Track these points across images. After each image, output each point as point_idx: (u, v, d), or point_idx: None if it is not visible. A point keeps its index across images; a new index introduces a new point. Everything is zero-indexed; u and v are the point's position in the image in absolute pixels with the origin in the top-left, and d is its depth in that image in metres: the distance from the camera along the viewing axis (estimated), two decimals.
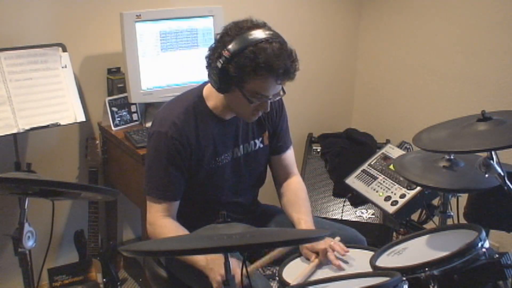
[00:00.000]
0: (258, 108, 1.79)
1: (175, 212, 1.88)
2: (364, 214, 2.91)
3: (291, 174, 2.10)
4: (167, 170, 1.83)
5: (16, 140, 2.45)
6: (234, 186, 1.99)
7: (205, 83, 1.92)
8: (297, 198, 2.01)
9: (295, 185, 2.07)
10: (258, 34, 1.68)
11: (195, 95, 1.90)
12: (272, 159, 2.08)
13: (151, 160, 1.87)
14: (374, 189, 2.43)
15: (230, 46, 1.68)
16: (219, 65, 1.70)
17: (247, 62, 1.66)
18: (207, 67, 1.78)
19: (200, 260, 1.71)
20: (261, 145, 2.01)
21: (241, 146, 1.97)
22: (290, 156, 2.10)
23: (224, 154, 1.93)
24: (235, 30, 1.70)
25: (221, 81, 1.73)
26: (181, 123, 1.82)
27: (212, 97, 1.87)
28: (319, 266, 1.77)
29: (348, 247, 1.84)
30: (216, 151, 1.90)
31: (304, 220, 1.91)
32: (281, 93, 1.81)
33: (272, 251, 1.75)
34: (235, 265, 1.56)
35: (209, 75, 1.78)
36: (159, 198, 1.85)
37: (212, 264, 1.67)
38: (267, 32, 1.70)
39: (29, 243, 1.55)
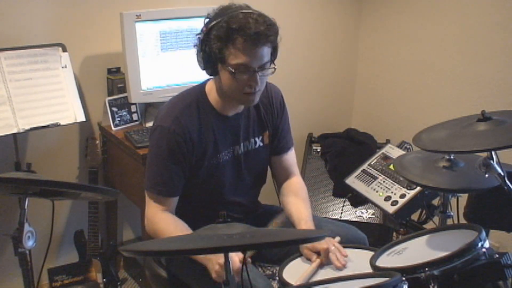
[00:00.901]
0: (248, 83, 1.76)
1: (174, 207, 1.89)
2: (364, 214, 2.91)
3: (292, 175, 2.10)
4: (168, 166, 1.83)
5: (16, 140, 2.45)
6: (234, 185, 1.99)
7: (207, 80, 1.92)
8: (298, 198, 2.01)
9: (296, 185, 2.07)
10: (236, 8, 1.73)
11: (198, 91, 1.91)
12: (273, 160, 2.08)
13: (152, 155, 1.87)
14: (374, 189, 2.43)
15: (208, 24, 1.74)
16: (200, 44, 1.76)
17: (221, 30, 1.70)
18: (196, 53, 1.82)
19: None
20: (261, 144, 2.02)
21: (242, 144, 1.97)
22: (291, 157, 2.10)
23: (224, 151, 1.93)
24: (216, 12, 1.77)
25: (205, 61, 1.78)
26: (183, 119, 1.83)
27: (214, 93, 1.88)
28: (320, 266, 1.77)
29: (348, 247, 1.84)
30: (217, 148, 1.91)
31: (304, 220, 1.90)
32: (269, 66, 1.78)
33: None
34: (236, 261, 1.57)
35: (197, 60, 1.82)
36: (159, 194, 1.85)
37: (209, 255, 1.67)
38: (246, 8, 1.74)
39: (29, 243, 1.56)
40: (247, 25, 1.68)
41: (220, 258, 1.60)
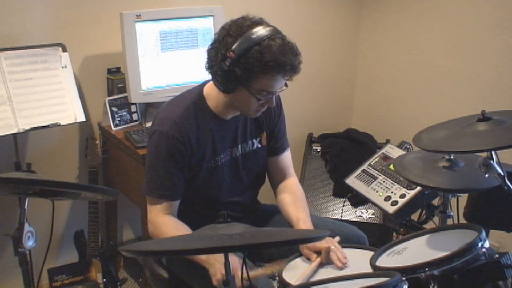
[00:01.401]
0: (264, 104, 1.80)
1: (176, 210, 1.89)
2: (364, 214, 2.91)
3: (288, 175, 2.10)
4: (167, 170, 1.83)
5: (16, 140, 2.45)
6: (233, 186, 1.99)
7: (205, 82, 1.92)
8: (295, 198, 2.01)
9: (292, 186, 2.07)
10: (260, 31, 1.69)
11: (196, 94, 1.90)
12: (269, 160, 2.08)
13: (151, 160, 1.87)
14: (374, 189, 2.43)
15: (234, 47, 1.68)
16: (225, 67, 1.69)
17: (255, 62, 1.67)
18: (209, 68, 1.78)
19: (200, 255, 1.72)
20: (259, 145, 2.02)
21: (240, 146, 1.97)
22: (287, 157, 2.10)
23: (223, 154, 1.93)
24: (236, 30, 1.70)
25: (227, 82, 1.73)
26: (182, 122, 1.82)
27: (213, 97, 1.87)
28: (320, 265, 1.77)
29: (348, 247, 1.84)
30: (215, 151, 1.90)
31: (302, 220, 1.90)
32: (284, 86, 1.82)
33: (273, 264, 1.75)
34: (236, 262, 1.57)
35: (213, 77, 1.78)
36: (160, 198, 1.85)
37: (212, 260, 1.67)
38: (268, 29, 1.71)
39: (29, 243, 1.55)
40: (284, 62, 1.68)
41: (222, 267, 1.59)
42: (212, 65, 1.76)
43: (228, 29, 1.72)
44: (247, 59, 1.67)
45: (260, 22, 1.73)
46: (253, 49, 1.66)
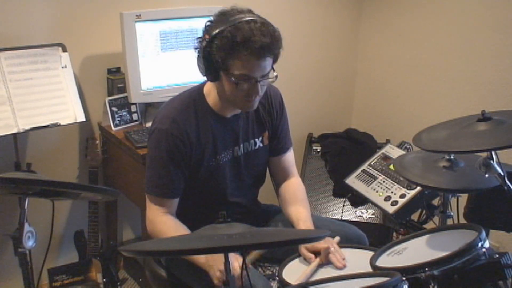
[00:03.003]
0: (249, 92, 1.77)
1: (175, 209, 1.89)
2: (364, 214, 2.91)
3: (290, 175, 2.10)
4: (167, 168, 1.83)
5: (16, 140, 2.45)
6: (234, 185, 1.99)
7: (205, 82, 1.92)
8: (296, 199, 2.01)
9: (294, 186, 2.07)
10: (239, 15, 1.70)
11: (196, 92, 1.91)
12: (271, 160, 2.08)
13: (151, 158, 1.87)
14: (374, 189, 2.43)
15: (211, 31, 1.71)
16: (202, 50, 1.73)
17: (225, 42, 1.67)
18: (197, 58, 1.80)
19: (199, 257, 1.72)
20: (261, 145, 2.02)
21: (242, 145, 1.97)
22: (290, 157, 2.10)
23: (224, 153, 1.93)
24: (218, 17, 1.73)
25: (207, 68, 1.75)
26: (181, 121, 1.83)
27: (212, 94, 1.88)
28: (320, 265, 1.77)
29: (348, 247, 1.84)
30: (216, 149, 1.90)
31: (303, 220, 1.90)
32: (271, 75, 1.79)
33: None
34: (234, 259, 1.57)
35: (197, 65, 1.80)
36: (159, 196, 1.85)
37: (212, 261, 1.67)
38: (250, 15, 1.71)
39: (29, 243, 1.55)
40: (252, 38, 1.66)
41: (221, 265, 1.59)
42: (197, 54, 1.78)
43: (213, 17, 1.75)
44: (219, 41, 1.68)
45: (245, 11, 1.74)
46: (226, 30, 1.68)
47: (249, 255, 1.75)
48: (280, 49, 1.75)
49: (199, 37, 1.78)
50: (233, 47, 1.67)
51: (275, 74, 1.80)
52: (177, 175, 1.85)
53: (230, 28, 1.67)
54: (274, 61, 1.78)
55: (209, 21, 1.76)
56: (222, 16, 1.73)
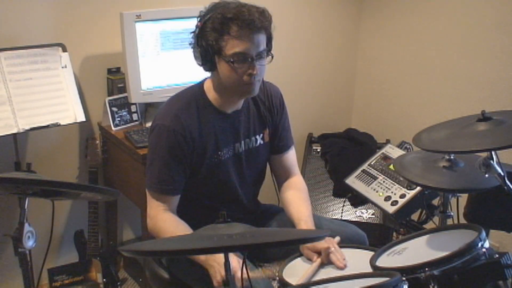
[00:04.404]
0: (247, 72, 1.77)
1: (176, 206, 1.89)
2: (364, 214, 2.91)
3: (293, 174, 2.09)
4: (168, 164, 1.83)
5: (16, 140, 2.45)
6: (236, 183, 1.99)
7: (205, 78, 1.93)
8: (298, 198, 2.01)
9: (296, 185, 2.07)
10: (229, 3, 1.76)
11: (197, 89, 1.91)
12: (273, 159, 2.08)
13: (152, 154, 1.87)
14: (374, 189, 2.43)
15: (202, 18, 1.76)
16: (196, 39, 1.77)
17: (216, 21, 1.72)
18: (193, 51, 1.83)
19: (200, 255, 1.72)
20: (262, 142, 2.02)
21: (243, 142, 1.97)
22: (291, 156, 2.10)
23: (225, 149, 1.93)
24: (209, 7, 1.79)
25: (202, 56, 1.78)
26: (183, 117, 1.83)
27: (212, 90, 1.88)
28: (321, 265, 1.77)
29: (348, 247, 1.84)
30: (218, 145, 1.91)
31: (304, 221, 1.90)
32: (266, 55, 1.80)
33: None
34: (235, 262, 1.57)
35: (193, 55, 1.83)
36: (160, 193, 1.85)
37: (212, 261, 1.67)
38: (240, 1, 1.77)
39: (29, 243, 1.55)
40: (242, 13, 1.71)
41: (222, 267, 1.59)
42: (192, 45, 1.82)
43: (202, 11, 1.80)
44: (212, 22, 1.73)
45: (235, 1, 1.78)
46: (216, 12, 1.73)
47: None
48: (270, 25, 1.79)
49: (192, 31, 1.82)
50: (224, 23, 1.71)
51: (271, 54, 1.82)
52: (179, 171, 1.85)
53: (220, 10, 1.73)
54: (269, 44, 1.80)
55: (200, 11, 1.80)
56: (212, 6, 1.78)
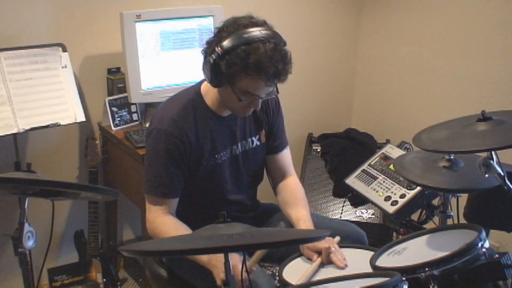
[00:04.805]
0: (249, 105, 1.80)
1: (175, 208, 1.89)
2: (364, 214, 2.91)
3: (288, 174, 2.10)
4: (166, 168, 1.83)
5: (16, 140, 2.45)
6: (233, 184, 1.99)
7: (203, 80, 1.92)
8: (295, 198, 2.01)
9: (292, 185, 2.07)
10: (254, 33, 1.67)
11: (193, 92, 1.91)
12: (268, 159, 2.08)
13: (150, 158, 1.87)
14: (374, 189, 2.43)
15: (224, 43, 1.68)
16: (211, 60, 1.70)
17: (238, 60, 1.66)
18: (203, 59, 1.79)
19: (201, 256, 1.72)
20: (258, 143, 2.02)
21: (239, 144, 1.97)
22: (286, 155, 2.10)
23: (222, 151, 1.93)
24: (232, 27, 1.70)
25: (212, 76, 1.74)
26: (180, 120, 1.83)
27: (209, 94, 1.88)
28: (321, 265, 1.77)
29: (348, 247, 1.84)
30: (215, 148, 1.91)
31: (303, 220, 1.90)
32: (274, 92, 1.81)
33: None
34: (236, 260, 1.57)
35: (202, 68, 1.79)
36: (159, 196, 1.85)
37: (214, 261, 1.67)
38: (264, 32, 1.69)
39: (29, 243, 1.55)
40: (266, 65, 1.65)
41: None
42: (204, 57, 1.77)
43: (226, 25, 1.73)
44: (231, 57, 1.67)
45: (259, 23, 1.72)
46: (240, 48, 1.66)
47: (254, 255, 1.75)
48: (288, 74, 1.74)
49: (209, 42, 1.75)
50: (245, 67, 1.66)
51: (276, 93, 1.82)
52: (177, 174, 1.85)
53: (244, 47, 1.65)
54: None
55: (222, 28, 1.73)
56: (235, 26, 1.70)
